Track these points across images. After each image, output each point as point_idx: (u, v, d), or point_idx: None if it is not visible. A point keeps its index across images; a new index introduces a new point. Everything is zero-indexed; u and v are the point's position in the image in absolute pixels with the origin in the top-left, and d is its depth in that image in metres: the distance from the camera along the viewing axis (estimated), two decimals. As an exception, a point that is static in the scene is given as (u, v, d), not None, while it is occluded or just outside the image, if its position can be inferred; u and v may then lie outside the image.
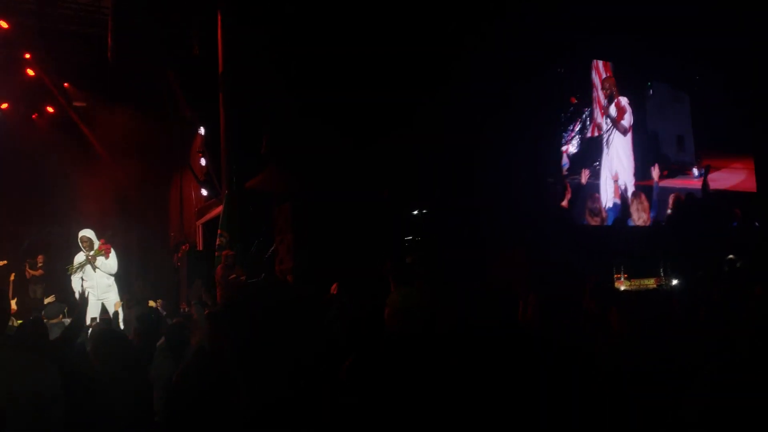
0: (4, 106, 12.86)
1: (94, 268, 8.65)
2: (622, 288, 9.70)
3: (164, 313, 8.69)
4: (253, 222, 10.44)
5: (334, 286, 6.36)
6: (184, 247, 13.07)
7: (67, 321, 5.95)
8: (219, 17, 10.38)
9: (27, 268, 11.68)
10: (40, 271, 11.59)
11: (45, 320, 5.51)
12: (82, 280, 8.72)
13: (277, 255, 10.38)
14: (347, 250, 8.92)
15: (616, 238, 10.64)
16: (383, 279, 4.66)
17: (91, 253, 8.61)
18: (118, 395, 3.02)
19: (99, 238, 8.86)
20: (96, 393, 2.93)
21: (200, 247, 12.77)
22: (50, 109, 13.48)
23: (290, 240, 10.02)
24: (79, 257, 8.80)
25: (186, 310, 9.20)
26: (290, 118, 9.42)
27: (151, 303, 9.53)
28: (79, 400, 2.83)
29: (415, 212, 11.02)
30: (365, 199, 9.70)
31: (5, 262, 10.86)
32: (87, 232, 8.88)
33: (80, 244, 8.82)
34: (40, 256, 11.83)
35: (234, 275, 9.12)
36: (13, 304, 10.16)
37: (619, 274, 9.87)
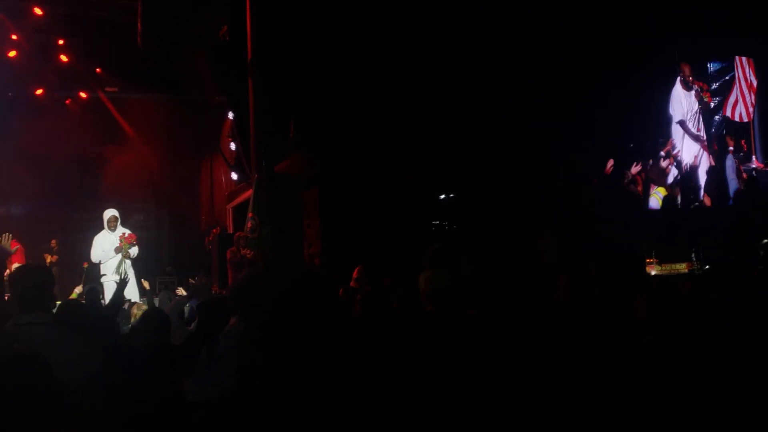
0: (39, 91, 13.09)
1: (129, 258, 8.84)
2: (653, 273, 9.58)
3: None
4: (283, 206, 10.50)
5: (357, 269, 6.35)
6: (214, 230, 13.23)
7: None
8: (248, 1, 10.38)
9: (52, 253, 11.84)
10: (55, 257, 11.73)
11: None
12: (100, 263, 8.90)
13: (306, 239, 10.44)
14: (374, 234, 8.94)
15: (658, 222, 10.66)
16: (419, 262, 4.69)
17: (125, 248, 8.74)
18: (157, 373, 3.08)
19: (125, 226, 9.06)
20: (134, 371, 3.00)
21: (230, 230, 12.90)
22: (83, 95, 13.69)
23: (318, 224, 10.07)
24: (104, 238, 8.91)
25: (218, 291, 9.33)
26: (319, 102, 9.42)
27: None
28: (118, 378, 2.90)
29: (443, 197, 10.98)
30: (392, 183, 9.69)
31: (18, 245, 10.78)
32: (113, 212, 9.01)
33: (107, 224, 8.95)
34: (53, 241, 11.99)
35: (237, 251, 9.21)
36: None
37: (651, 258, 9.75)
